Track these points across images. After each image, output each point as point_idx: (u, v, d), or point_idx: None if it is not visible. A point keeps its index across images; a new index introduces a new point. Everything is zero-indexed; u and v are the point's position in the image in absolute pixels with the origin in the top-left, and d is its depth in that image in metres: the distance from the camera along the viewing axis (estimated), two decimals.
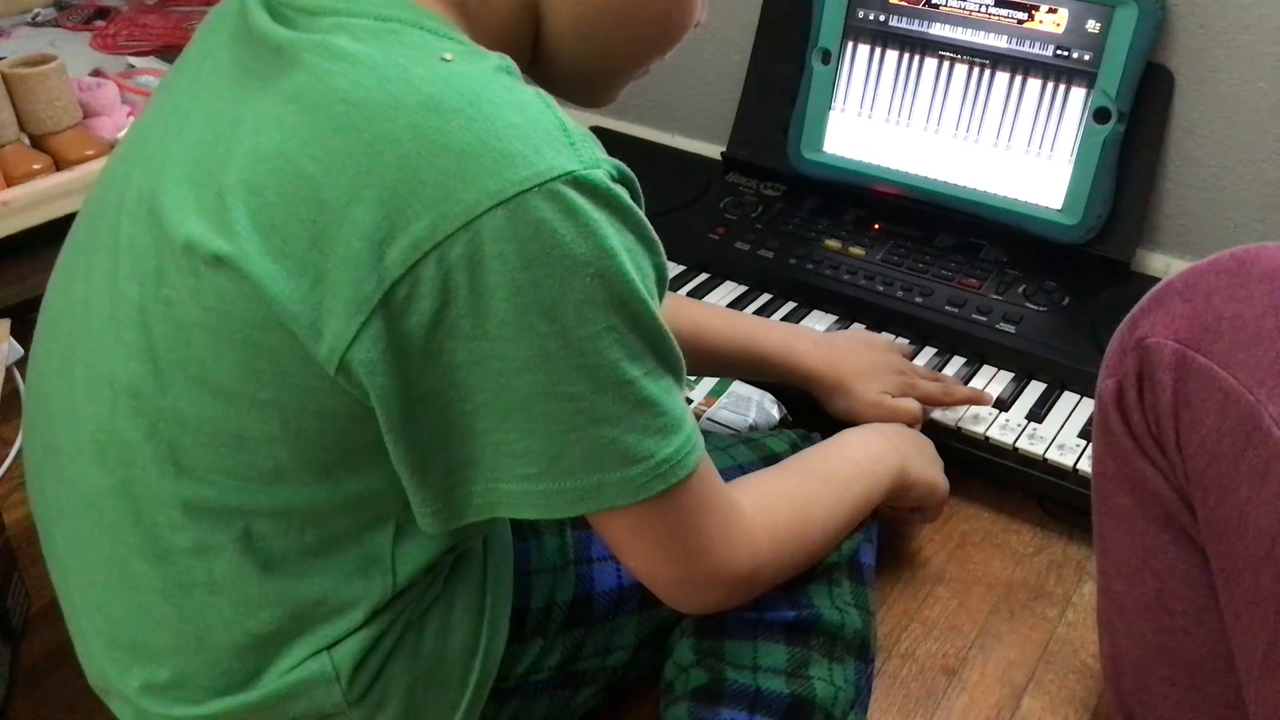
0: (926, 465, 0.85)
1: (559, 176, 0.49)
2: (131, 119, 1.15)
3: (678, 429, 0.56)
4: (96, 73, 1.27)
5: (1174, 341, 0.57)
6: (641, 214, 0.54)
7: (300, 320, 0.50)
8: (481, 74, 0.52)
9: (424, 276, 0.49)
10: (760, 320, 1.02)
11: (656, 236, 0.55)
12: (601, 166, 0.51)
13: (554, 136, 0.50)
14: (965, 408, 0.98)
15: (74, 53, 1.35)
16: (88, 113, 1.16)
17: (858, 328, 1.10)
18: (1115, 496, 0.64)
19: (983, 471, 0.97)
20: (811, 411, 0.96)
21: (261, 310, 0.51)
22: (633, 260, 0.52)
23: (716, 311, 0.99)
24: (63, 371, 0.60)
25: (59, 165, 1.12)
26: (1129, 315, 0.61)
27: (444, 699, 0.65)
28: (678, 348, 0.56)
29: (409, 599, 0.62)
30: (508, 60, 0.54)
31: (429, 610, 0.63)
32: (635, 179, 0.54)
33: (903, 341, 1.05)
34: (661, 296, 0.56)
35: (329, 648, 0.60)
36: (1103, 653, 0.71)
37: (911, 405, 0.92)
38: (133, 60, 1.38)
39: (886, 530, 0.92)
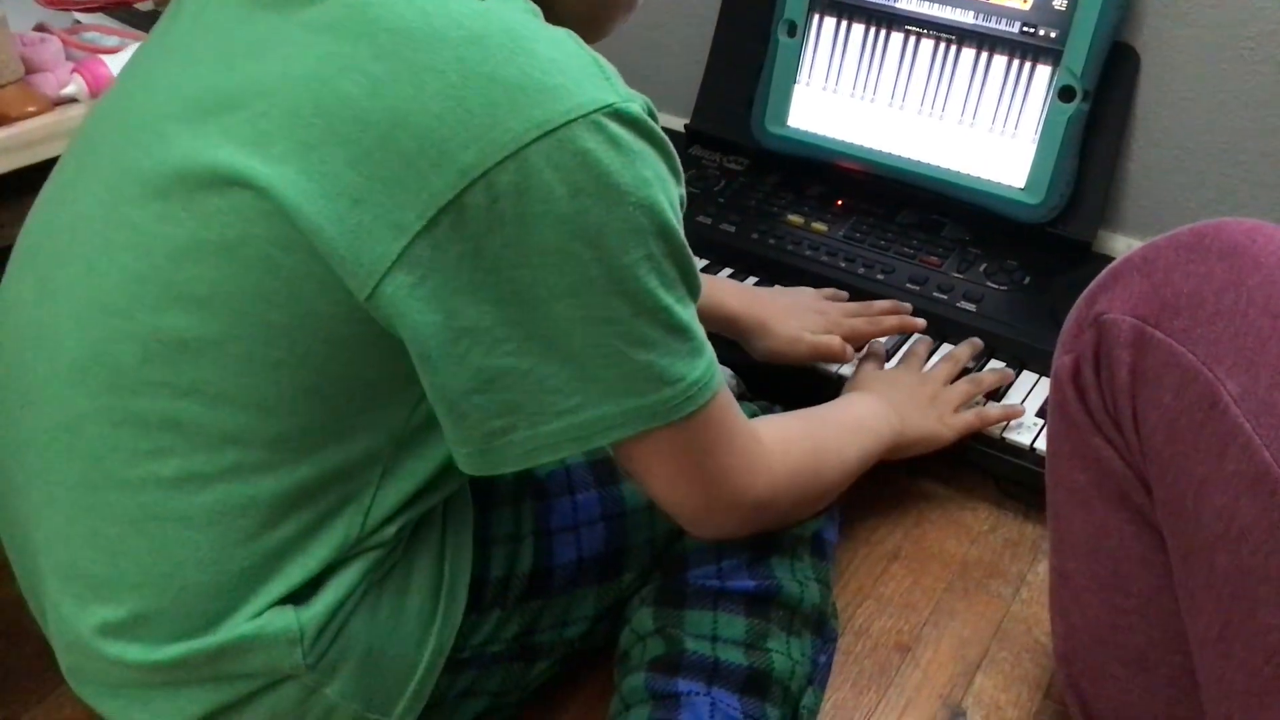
0: (924, 419, 0.88)
1: (601, 109, 0.51)
2: (75, 75, 1.12)
3: (703, 351, 0.59)
4: (40, 28, 1.23)
5: (1132, 317, 0.57)
6: (671, 145, 0.56)
7: (335, 242, 0.51)
8: (515, 13, 0.54)
9: (470, 204, 0.50)
10: None
11: (681, 166, 0.58)
12: (636, 100, 0.54)
13: (591, 71, 0.53)
14: None
15: (18, 7, 1.30)
16: (30, 68, 1.12)
17: None
18: (1070, 475, 0.64)
19: (940, 449, 0.97)
20: (769, 386, 0.95)
21: (287, 231, 0.51)
22: (664, 190, 0.55)
23: None
24: (40, 299, 0.59)
25: None
26: (1087, 290, 0.61)
27: (398, 669, 0.64)
28: (699, 274, 0.59)
29: (371, 560, 0.61)
30: (532, 4, 0.56)
31: (387, 577, 0.62)
32: (656, 113, 0.57)
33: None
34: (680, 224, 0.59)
35: (294, 603, 0.58)
36: (1055, 631, 0.71)
37: (833, 340, 0.95)
38: (80, 16, 1.33)
39: (843, 506, 0.91)
